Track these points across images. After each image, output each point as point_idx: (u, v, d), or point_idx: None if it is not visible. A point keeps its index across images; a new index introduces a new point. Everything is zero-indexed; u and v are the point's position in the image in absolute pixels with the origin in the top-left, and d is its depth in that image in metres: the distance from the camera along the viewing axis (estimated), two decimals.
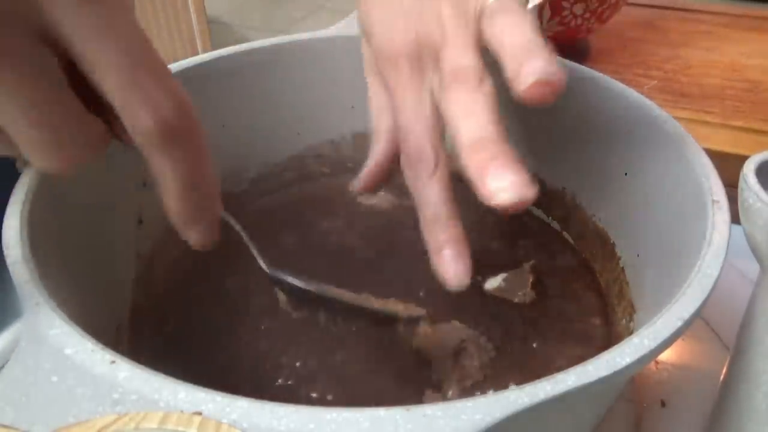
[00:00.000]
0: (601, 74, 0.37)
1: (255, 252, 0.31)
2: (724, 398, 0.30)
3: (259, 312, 0.34)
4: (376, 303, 0.31)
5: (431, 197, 0.26)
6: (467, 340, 0.30)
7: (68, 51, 0.21)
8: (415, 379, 0.30)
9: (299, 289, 0.30)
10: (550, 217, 0.42)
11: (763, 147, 0.28)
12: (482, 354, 0.31)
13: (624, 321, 0.33)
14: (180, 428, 0.17)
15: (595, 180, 0.38)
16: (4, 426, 0.18)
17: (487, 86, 0.25)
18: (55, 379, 0.19)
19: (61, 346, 0.20)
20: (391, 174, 0.31)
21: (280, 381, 0.30)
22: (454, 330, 0.31)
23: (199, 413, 0.18)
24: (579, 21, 0.63)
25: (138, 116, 0.22)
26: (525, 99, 0.23)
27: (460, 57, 0.26)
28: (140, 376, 0.19)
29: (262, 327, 0.33)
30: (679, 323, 0.21)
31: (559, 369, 0.20)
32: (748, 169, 0.26)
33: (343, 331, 0.32)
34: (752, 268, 0.28)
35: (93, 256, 0.30)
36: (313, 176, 0.45)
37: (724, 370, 0.30)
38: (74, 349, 0.20)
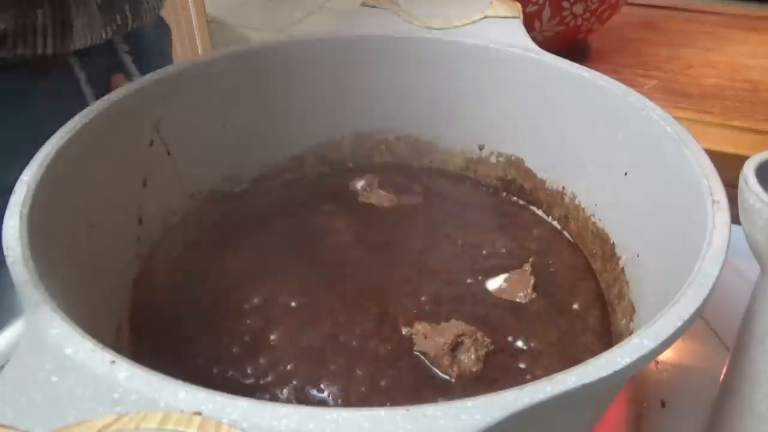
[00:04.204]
0: (601, 74, 0.37)
1: None
2: (724, 398, 0.30)
3: (259, 312, 0.34)
4: None
5: None
6: (464, 335, 0.31)
7: None
8: (414, 378, 0.30)
9: None
10: (550, 217, 0.42)
11: (763, 147, 0.28)
12: (479, 348, 0.31)
13: (624, 321, 0.33)
14: (180, 428, 0.17)
15: (595, 180, 0.38)
16: (4, 426, 0.18)
17: None
18: (55, 379, 0.19)
19: (61, 346, 0.20)
20: None
21: (280, 380, 0.30)
22: (453, 327, 0.31)
23: (199, 413, 0.18)
24: (579, 21, 0.63)
25: None
26: None
27: None
28: (140, 376, 0.19)
29: (263, 327, 0.33)
30: (679, 323, 0.21)
31: (559, 369, 0.20)
32: (748, 169, 0.26)
33: (344, 331, 0.32)
34: (752, 268, 0.28)
35: (93, 256, 0.30)
36: (313, 176, 0.45)
37: (724, 370, 0.30)
38: (74, 349, 0.20)
